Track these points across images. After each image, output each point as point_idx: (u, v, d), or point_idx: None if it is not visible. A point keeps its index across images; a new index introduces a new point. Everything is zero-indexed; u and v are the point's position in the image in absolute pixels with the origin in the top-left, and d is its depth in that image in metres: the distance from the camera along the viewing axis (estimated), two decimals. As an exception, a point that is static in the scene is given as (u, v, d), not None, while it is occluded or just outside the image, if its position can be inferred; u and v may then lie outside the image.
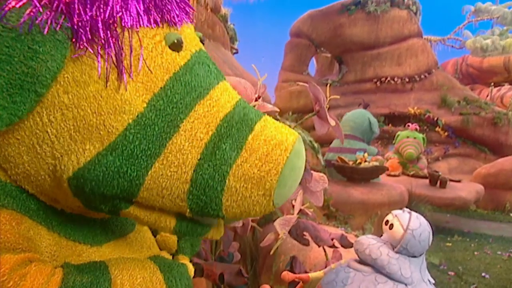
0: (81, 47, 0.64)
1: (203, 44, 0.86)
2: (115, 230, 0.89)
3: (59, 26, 0.62)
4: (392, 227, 1.08)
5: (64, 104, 0.65)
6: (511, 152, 8.74)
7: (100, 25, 0.64)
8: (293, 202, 1.66)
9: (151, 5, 0.70)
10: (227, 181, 0.70)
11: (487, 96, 13.33)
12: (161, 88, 0.69)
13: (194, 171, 0.69)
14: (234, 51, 7.65)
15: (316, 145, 5.18)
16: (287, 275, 1.28)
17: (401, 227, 1.06)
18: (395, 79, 11.21)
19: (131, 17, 0.66)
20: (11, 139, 0.67)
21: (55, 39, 0.62)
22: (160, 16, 0.71)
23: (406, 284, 1.04)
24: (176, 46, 0.72)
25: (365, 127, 6.26)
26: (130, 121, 0.67)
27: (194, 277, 1.49)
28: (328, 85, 2.32)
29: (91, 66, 0.65)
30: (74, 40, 0.63)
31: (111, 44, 0.65)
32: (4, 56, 0.60)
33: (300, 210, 1.58)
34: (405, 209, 1.13)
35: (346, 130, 6.27)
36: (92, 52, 0.64)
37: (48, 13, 0.61)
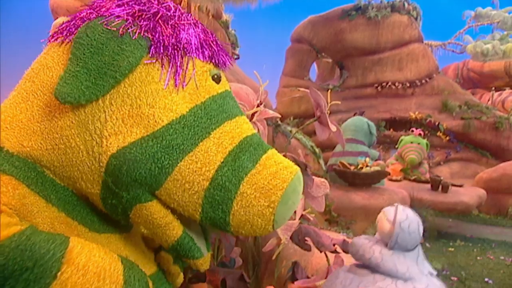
0: (153, 56, 0.85)
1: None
2: (113, 224, 0.92)
3: (143, 35, 0.84)
4: (381, 224, 1.08)
5: (126, 93, 0.82)
6: (513, 156, 8.72)
7: (170, 46, 0.87)
8: (295, 207, 1.66)
9: (205, 46, 0.95)
10: (241, 186, 0.83)
11: (488, 100, 13.32)
12: (202, 102, 0.88)
13: (216, 171, 0.83)
14: (235, 57, 7.68)
15: (317, 150, 5.19)
16: (293, 286, 1.28)
17: (388, 221, 1.06)
18: (396, 84, 11.22)
19: (192, 49, 0.90)
20: (69, 110, 0.81)
21: (138, 44, 0.83)
22: (210, 55, 0.95)
23: (404, 280, 1.02)
24: (216, 79, 0.95)
25: (365, 130, 6.35)
26: (174, 118, 0.83)
27: (196, 282, 1.50)
28: (329, 90, 2.33)
29: (156, 71, 0.85)
30: (151, 49, 0.84)
31: (176, 61, 0.87)
32: (99, 49, 0.79)
33: (302, 215, 1.59)
34: (395, 204, 1.12)
35: (348, 135, 6.32)
36: (161, 62, 0.85)
37: (139, 26, 0.84)
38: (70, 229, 0.82)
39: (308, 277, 1.54)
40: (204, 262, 0.94)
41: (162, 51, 0.85)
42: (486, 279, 4.33)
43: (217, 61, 0.97)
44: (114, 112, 0.81)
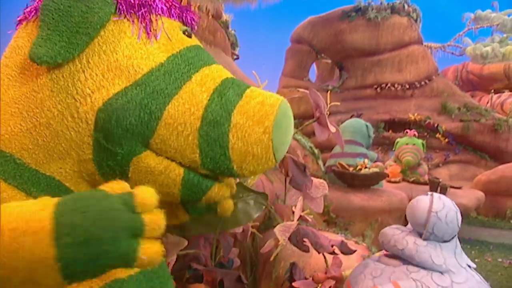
0: (121, 14, 0.88)
1: None
2: None
3: None
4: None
5: (102, 50, 0.84)
6: (512, 159, 8.72)
7: (136, 5, 0.90)
8: (293, 208, 1.66)
9: (171, 6, 0.98)
10: (232, 117, 0.84)
11: (488, 103, 13.33)
12: (177, 51, 0.92)
13: (204, 109, 0.84)
14: (235, 57, 7.68)
15: (316, 151, 5.18)
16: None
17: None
18: (396, 85, 11.21)
19: (158, 8, 0.93)
20: (46, 80, 0.81)
21: (105, 1, 0.85)
22: (178, 14, 1.00)
23: (441, 272, 0.95)
24: (187, 35, 0.99)
25: (364, 132, 6.35)
26: (153, 66, 0.86)
27: (193, 283, 1.49)
28: (329, 91, 2.33)
29: (127, 27, 0.88)
30: (119, 6, 0.87)
31: (144, 17, 0.90)
32: (67, 11, 0.80)
33: (300, 216, 1.58)
34: (428, 193, 1.05)
35: (346, 136, 6.33)
36: (130, 19, 0.89)
37: None
38: None
39: (306, 278, 1.54)
40: (220, 189, 0.93)
41: (129, 9, 0.89)
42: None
43: (185, 20, 1.02)
44: (93, 69, 0.82)
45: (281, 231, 1.47)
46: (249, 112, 0.85)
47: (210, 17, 5.53)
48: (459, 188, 7.62)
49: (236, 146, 0.83)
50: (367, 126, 6.40)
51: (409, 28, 11.34)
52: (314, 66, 13.49)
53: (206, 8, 5.29)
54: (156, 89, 0.83)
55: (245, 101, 0.88)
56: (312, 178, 1.65)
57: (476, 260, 5.15)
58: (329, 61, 12.97)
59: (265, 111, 0.86)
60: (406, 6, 11.38)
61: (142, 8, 0.90)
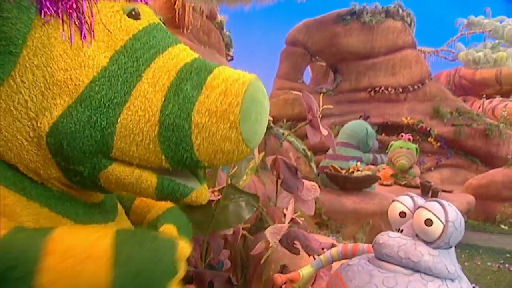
0: (47, 13, 0.74)
1: (165, 25, 0.95)
2: (97, 215, 0.90)
3: None
4: (431, 224, 0.94)
5: (34, 65, 0.73)
6: (502, 163, 8.80)
7: None
8: (285, 211, 1.66)
9: None
10: (192, 117, 0.75)
11: (479, 107, 13.47)
12: (121, 46, 0.79)
13: (160, 112, 0.75)
14: (229, 58, 7.68)
15: (309, 153, 5.19)
16: (279, 278, 1.26)
17: (438, 220, 0.94)
18: (389, 89, 11.29)
19: None
20: None
21: (21, 5, 0.72)
22: None
23: (452, 280, 0.94)
24: (134, 15, 0.83)
25: (361, 137, 6.32)
26: (95, 74, 0.74)
27: (182, 284, 1.48)
28: (322, 94, 2.33)
29: (57, 29, 0.75)
30: (39, 6, 0.73)
31: (73, 11, 0.75)
32: None
33: (291, 218, 1.58)
34: (430, 199, 1.02)
35: (342, 138, 6.35)
36: (58, 17, 0.74)
37: None
38: (55, 224, 0.79)
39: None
40: (199, 195, 0.87)
41: (53, 5, 0.74)
42: (473, 285, 4.36)
43: None
44: (30, 89, 0.73)
45: (272, 234, 1.47)
46: (211, 108, 0.75)
47: (204, 17, 5.52)
48: (450, 192, 7.69)
49: (201, 147, 0.76)
50: (367, 131, 6.33)
51: (403, 32, 11.43)
52: (308, 68, 13.53)
53: (200, 9, 5.29)
54: (102, 101, 0.73)
55: (205, 94, 0.76)
56: (304, 180, 1.65)
57: (465, 263, 5.19)
58: (324, 64, 13.02)
59: (228, 104, 0.74)
60: (400, 11, 11.47)
61: None
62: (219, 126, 0.75)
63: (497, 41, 13.92)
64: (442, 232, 0.94)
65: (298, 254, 1.53)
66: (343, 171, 5.16)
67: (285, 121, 10.59)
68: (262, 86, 0.81)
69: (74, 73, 0.73)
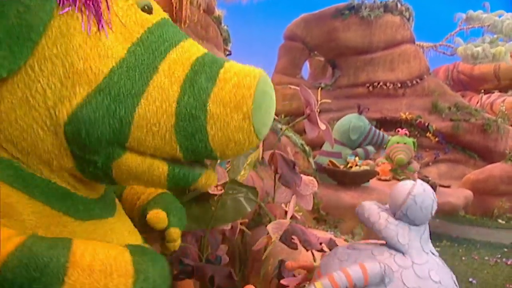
0: (65, 3, 0.76)
1: None
2: (97, 210, 0.91)
3: None
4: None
5: (53, 54, 0.74)
6: (500, 158, 8.84)
7: None
8: (283, 206, 1.66)
9: None
10: (208, 108, 0.78)
11: (477, 103, 13.49)
12: (137, 38, 0.81)
13: (177, 103, 0.78)
14: (227, 52, 7.64)
15: (307, 148, 5.18)
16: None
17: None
18: (388, 84, 11.27)
19: None
20: (4, 92, 0.74)
21: None
22: None
23: (403, 253, 1.00)
24: (147, 10, 0.86)
25: (342, 132, 6.29)
26: (114, 64, 0.77)
27: (182, 279, 1.48)
28: (320, 88, 2.32)
29: (76, 20, 0.77)
30: None
31: (91, 2, 0.78)
32: (2, 14, 0.70)
33: (290, 213, 1.58)
34: (417, 180, 1.09)
35: (333, 135, 6.29)
36: (75, 8, 0.76)
37: None
38: (55, 221, 0.80)
39: (294, 276, 1.53)
40: (207, 178, 0.91)
41: None
42: (470, 279, 4.39)
43: None
44: (48, 78, 0.74)
45: (273, 229, 1.47)
46: (225, 98, 0.78)
47: (202, 11, 5.48)
48: (448, 187, 7.72)
49: (216, 137, 0.79)
50: (349, 126, 6.27)
51: (402, 27, 11.40)
52: (307, 63, 13.50)
53: (197, 2, 5.25)
54: (121, 91, 0.75)
55: (220, 86, 0.79)
56: (302, 175, 1.65)
57: (463, 258, 5.22)
58: (322, 58, 12.99)
59: (242, 95, 0.78)
60: (399, 5, 11.43)
61: None
62: (233, 117, 0.78)
63: (495, 36, 13.90)
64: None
65: (296, 249, 1.53)
66: (341, 167, 5.16)
67: (283, 116, 10.58)
68: (270, 80, 0.86)
69: (93, 63, 0.75)
